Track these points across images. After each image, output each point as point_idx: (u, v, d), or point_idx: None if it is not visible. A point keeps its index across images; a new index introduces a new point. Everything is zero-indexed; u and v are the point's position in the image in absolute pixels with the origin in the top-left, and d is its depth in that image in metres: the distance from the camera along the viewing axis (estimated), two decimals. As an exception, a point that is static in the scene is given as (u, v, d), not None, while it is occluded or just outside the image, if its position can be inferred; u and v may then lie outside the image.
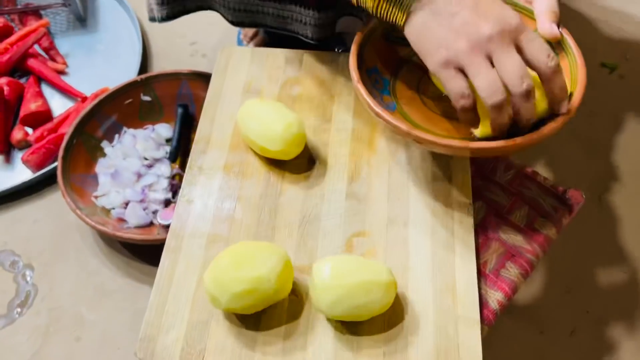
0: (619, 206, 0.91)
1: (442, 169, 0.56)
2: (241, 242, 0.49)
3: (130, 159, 0.90)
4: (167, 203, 0.87)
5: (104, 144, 0.92)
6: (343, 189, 0.55)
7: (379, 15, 0.51)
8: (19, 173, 0.95)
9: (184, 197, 0.56)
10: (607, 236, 0.88)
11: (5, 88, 0.99)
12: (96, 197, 0.87)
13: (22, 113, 0.99)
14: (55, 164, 0.92)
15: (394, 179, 0.56)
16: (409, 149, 0.58)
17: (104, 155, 0.92)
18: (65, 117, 0.99)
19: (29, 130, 0.99)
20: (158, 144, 0.93)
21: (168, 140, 0.94)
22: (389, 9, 0.49)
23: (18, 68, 1.06)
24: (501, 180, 0.58)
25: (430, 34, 0.47)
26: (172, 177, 0.89)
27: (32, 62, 1.06)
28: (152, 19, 0.80)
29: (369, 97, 0.50)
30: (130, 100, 0.95)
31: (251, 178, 0.56)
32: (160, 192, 0.87)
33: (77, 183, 0.87)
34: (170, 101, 0.96)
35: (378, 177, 0.56)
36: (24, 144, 0.98)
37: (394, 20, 0.50)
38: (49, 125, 0.98)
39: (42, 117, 0.99)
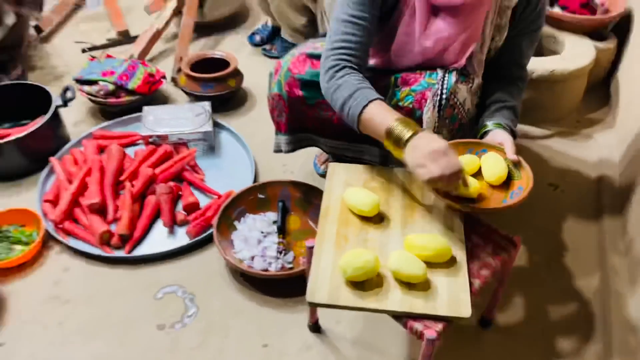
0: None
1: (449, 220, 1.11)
2: (353, 249, 1.04)
3: (254, 231, 1.48)
4: (276, 258, 1.42)
5: (236, 223, 1.51)
6: (398, 228, 1.10)
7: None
8: (180, 240, 1.53)
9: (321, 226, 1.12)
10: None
11: (173, 189, 1.61)
12: (234, 252, 1.43)
13: (183, 203, 1.60)
14: (204, 235, 1.50)
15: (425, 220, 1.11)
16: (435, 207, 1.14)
17: (235, 229, 1.50)
18: (209, 207, 1.59)
19: (186, 214, 1.59)
20: (269, 224, 1.51)
21: (274, 222, 1.52)
22: (394, 149, 1.08)
23: (177, 177, 1.69)
24: (478, 232, 1.13)
25: (411, 159, 1.03)
26: (278, 243, 1.46)
27: (185, 174, 1.69)
28: (278, 151, 1.44)
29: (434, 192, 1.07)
30: (252, 197, 1.55)
31: (352, 224, 1.11)
32: (273, 251, 1.43)
33: (223, 244, 1.44)
34: (275, 198, 1.56)
35: (416, 220, 1.11)
36: (184, 223, 1.57)
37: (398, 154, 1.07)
38: (199, 212, 1.58)
39: (195, 206, 1.60)
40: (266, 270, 1.40)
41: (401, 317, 0.99)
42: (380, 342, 1.30)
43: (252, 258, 1.42)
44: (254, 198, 1.57)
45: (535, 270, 1.45)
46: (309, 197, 1.56)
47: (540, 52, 1.96)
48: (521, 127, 1.88)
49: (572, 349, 1.29)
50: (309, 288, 1.00)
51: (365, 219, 1.14)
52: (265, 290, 1.40)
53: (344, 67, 1.17)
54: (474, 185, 1.10)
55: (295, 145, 1.46)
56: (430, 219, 1.12)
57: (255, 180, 1.71)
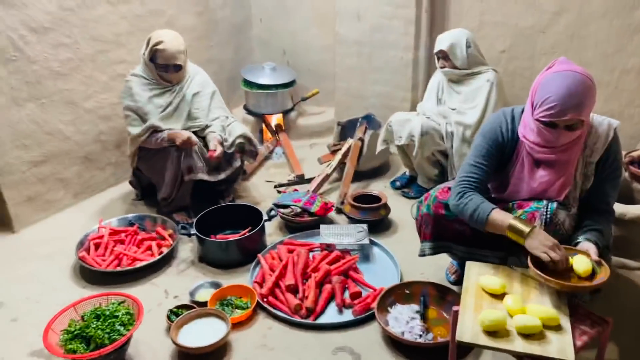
0: None
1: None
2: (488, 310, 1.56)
3: (403, 315, 2.02)
4: (420, 336, 1.93)
5: (389, 308, 2.07)
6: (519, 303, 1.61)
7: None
8: (347, 316, 2.12)
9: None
10: None
11: (344, 280, 2.24)
12: (389, 327, 1.97)
13: (350, 291, 2.21)
14: (365, 315, 2.08)
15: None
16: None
17: (389, 312, 2.06)
18: (368, 296, 2.18)
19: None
20: (413, 312, 2.05)
21: (417, 311, 2.06)
22: (517, 238, 1.67)
23: (345, 274, 2.32)
24: (578, 312, 1.59)
25: (532, 245, 1.62)
26: (421, 326, 1.98)
27: (351, 272, 2.32)
28: (422, 255, 2.04)
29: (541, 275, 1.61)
30: (400, 290, 2.13)
31: (485, 299, 1.63)
32: (418, 330, 1.96)
33: (381, 322, 1.99)
34: (417, 294, 2.12)
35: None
36: (349, 306, 2.16)
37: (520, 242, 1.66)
38: (361, 298, 2.17)
39: (358, 294, 2.20)
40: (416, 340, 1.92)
41: (522, 358, 1.46)
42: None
43: (402, 333, 1.95)
44: (401, 292, 2.13)
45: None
46: (443, 295, 2.10)
47: (632, 201, 2.44)
48: (617, 259, 2.31)
49: None
50: (458, 332, 1.53)
51: (494, 296, 1.66)
52: (410, 355, 1.90)
53: (468, 192, 1.81)
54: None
55: (435, 250, 2.06)
56: (542, 299, 1.62)
57: (400, 281, 2.29)
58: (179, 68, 2.69)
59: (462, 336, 1.52)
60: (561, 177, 1.78)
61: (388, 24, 3.32)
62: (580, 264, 1.64)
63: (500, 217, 1.72)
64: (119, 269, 2.40)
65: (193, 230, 2.50)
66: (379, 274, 2.36)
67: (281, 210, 2.70)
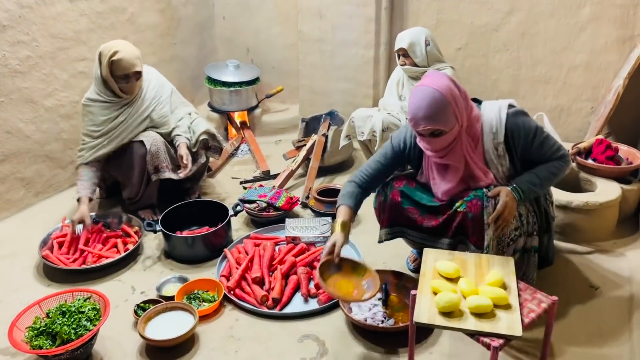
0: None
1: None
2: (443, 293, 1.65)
3: (366, 303, 2.10)
4: (382, 322, 2.02)
5: None
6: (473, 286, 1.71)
7: None
8: (312, 305, 2.18)
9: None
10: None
11: (309, 272, 2.30)
12: (352, 314, 2.05)
13: (314, 282, 2.27)
14: (328, 304, 2.15)
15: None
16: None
17: None
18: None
19: (317, 290, 2.25)
20: (375, 301, 2.13)
21: (379, 298, 2.14)
22: None
23: (310, 265, 2.38)
24: (528, 292, 1.71)
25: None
26: (383, 312, 2.07)
27: (315, 264, 2.39)
28: (380, 241, 2.14)
29: None
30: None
31: (441, 281, 1.75)
32: (380, 317, 2.04)
33: (344, 307, 2.07)
34: (381, 280, 2.20)
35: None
36: (314, 295, 2.22)
37: None
38: (326, 288, 2.24)
39: (323, 284, 2.26)
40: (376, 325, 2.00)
41: (474, 335, 1.56)
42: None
43: (365, 320, 2.02)
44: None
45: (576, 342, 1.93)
46: (404, 282, 2.18)
47: (578, 190, 2.60)
48: (565, 245, 2.46)
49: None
50: (415, 314, 1.61)
51: (449, 279, 1.76)
52: (373, 340, 1.98)
53: (351, 182, 2.08)
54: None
55: (391, 235, 2.17)
56: (493, 276, 1.72)
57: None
58: (139, 75, 2.62)
59: (419, 317, 1.60)
60: (462, 173, 1.95)
61: (349, 22, 3.40)
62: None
63: (341, 212, 2.01)
64: (84, 266, 2.40)
65: (158, 227, 2.51)
66: (343, 265, 2.44)
67: (247, 205, 2.74)
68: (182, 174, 2.71)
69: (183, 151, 2.71)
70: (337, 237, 1.95)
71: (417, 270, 2.35)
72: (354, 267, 1.98)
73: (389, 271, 2.24)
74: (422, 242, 2.11)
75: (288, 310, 2.16)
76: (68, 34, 2.98)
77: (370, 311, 2.07)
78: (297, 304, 2.20)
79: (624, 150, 2.69)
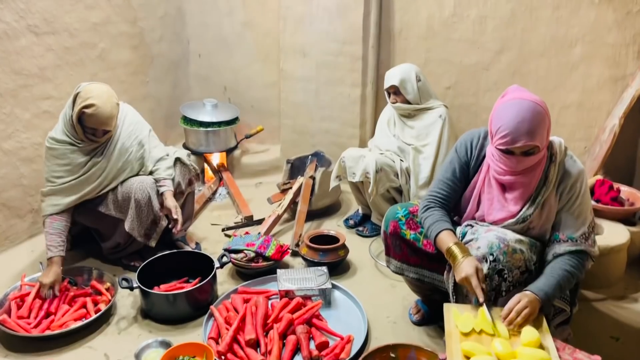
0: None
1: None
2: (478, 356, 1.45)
3: None
4: None
5: None
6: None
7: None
8: (315, 371, 1.93)
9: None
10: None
11: (309, 330, 2.06)
12: None
13: (316, 342, 2.03)
14: (336, 366, 1.91)
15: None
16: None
17: None
18: (336, 346, 2.02)
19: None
20: None
21: None
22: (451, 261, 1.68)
23: (306, 323, 2.15)
24: (567, 352, 1.53)
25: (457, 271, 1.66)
26: None
27: (314, 320, 2.15)
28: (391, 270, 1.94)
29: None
30: (385, 354, 1.89)
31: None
32: None
33: None
34: (404, 357, 1.90)
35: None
36: (317, 357, 1.98)
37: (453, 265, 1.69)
38: (329, 349, 2.00)
39: (325, 345, 2.03)
40: None
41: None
42: None
43: None
44: (386, 355, 1.91)
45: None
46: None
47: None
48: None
49: None
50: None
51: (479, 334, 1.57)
52: None
53: (432, 206, 1.88)
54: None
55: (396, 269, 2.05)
56: (529, 335, 1.54)
57: (367, 327, 2.14)
58: (109, 133, 2.37)
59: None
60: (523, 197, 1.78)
61: (334, 61, 3.29)
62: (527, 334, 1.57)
63: (445, 238, 1.77)
64: (48, 332, 2.08)
65: (135, 283, 2.23)
66: (343, 320, 2.21)
67: (233, 255, 2.50)
68: (175, 231, 2.45)
69: (170, 203, 2.45)
70: (473, 261, 1.67)
71: (420, 323, 2.16)
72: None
73: (415, 346, 1.89)
74: (420, 277, 1.98)
75: (288, 377, 1.91)
76: (32, 70, 2.72)
77: None
78: (299, 370, 1.95)
79: (624, 190, 2.62)
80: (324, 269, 2.42)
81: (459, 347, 1.53)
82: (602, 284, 2.35)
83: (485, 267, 1.70)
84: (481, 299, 1.63)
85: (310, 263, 2.54)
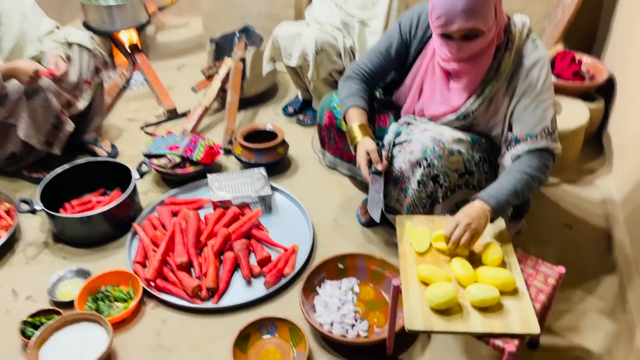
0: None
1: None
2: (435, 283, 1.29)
3: (333, 298, 1.67)
4: (352, 326, 1.61)
5: (317, 288, 1.72)
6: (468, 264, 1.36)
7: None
8: (258, 290, 1.76)
9: (403, 272, 1.35)
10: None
11: (248, 245, 1.85)
12: (316, 316, 1.63)
13: (257, 257, 1.83)
14: (279, 285, 1.74)
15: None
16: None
17: (317, 294, 1.70)
18: (279, 259, 1.83)
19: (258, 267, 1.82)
20: (346, 292, 1.71)
21: (351, 289, 1.73)
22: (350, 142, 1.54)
23: (246, 235, 1.92)
24: (529, 265, 1.40)
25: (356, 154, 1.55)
26: (355, 312, 1.65)
27: (253, 231, 1.93)
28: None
29: None
30: (332, 265, 1.76)
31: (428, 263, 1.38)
32: (350, 319, 1.62)
33: (305, 307, 1.62)
34: (352, 268, 1.76)
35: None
36: (259, 275, 1.80)
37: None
38: (271, 264, 1.81)
39: (267, 260, 1.84)
40: (344, 336, 1.58)
41: (483, 336, 1.23)
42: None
43: (332, 324, 1.61)
44: (333, 267, 1.77)
45: (565, 296, 1.71)
46: (383, 269, 1.73)
47: (542, 113, 2.30)
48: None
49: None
50: (405, 319, 1.25)
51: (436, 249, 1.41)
52: (337, 349, 1.59)
53: (354, 78, 1.68)
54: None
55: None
56: (488, 252, 1.38)
57: (313, 234, 1.95)
58: None
59: (412, 322, 1.24)
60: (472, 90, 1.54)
61: None
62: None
63: (352, 116, 1.62)
64: (-64, 273, 1.76)
65: (38, 205, 1.89)
66: (286, 227, 2.00)
67: (155, 162, 2.16)
68: (52, 71, 1.99)
69: (52, 59, 2.04)
70: (367, 144, 1.57)
71: (369, 224, 1.99)
72: (291, 331, 1.59)
73: (365, 255, 1.76)
74: (353, 174, 1.83)
75: (228, 300, 1.73)
76: None
77: (339, 311, 1.64)
78: (239, 290, 1.76)
79: (586, 63, 2.40)
80: (262, 171, 2.14)
81: (414, 271, 1.35)
82: (555, 169, 2.22)
83: (418, 173, 1.53)
84: (380, 167, 1.56)
85: (246, 165, 2.25)
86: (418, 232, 1.45)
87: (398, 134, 1.62)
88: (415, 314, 1.25)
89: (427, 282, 1.32)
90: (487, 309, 1.26)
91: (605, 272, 1.81)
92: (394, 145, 1.62)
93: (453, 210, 1.51)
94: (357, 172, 1.81)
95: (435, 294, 1.26)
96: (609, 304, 1.70)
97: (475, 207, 1.40)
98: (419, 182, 1.55)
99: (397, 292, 1.35)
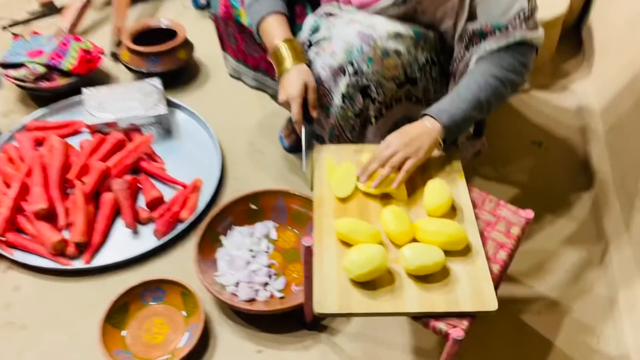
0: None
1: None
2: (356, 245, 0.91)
3: (242, 250, 1.29)
4: (265, 285, 1.24)
5: (222, 238, 1.32)
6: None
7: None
8: (147, 241, 1.36)
9: (317, 228, 0.97)
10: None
11: (132, 183, 1.42)
12: (217, 276, 1.25)
13: (145, 199, 1.41)
14: (174, 233, 1.34)
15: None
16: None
17: (221, 245, 1.31)
18: (175, 200, 1.42)
19: (149, 211, 1.41)
20: (259, 241, 1.32)
21: (266, 235, 1.34)
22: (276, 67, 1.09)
23: (133, 168, 1.49)
24: (487, 208, 1.04)
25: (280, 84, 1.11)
26: (269, 266, 1.28)
27: (143, 164, 1.50)
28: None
29: None
30: (242, 208, 1.36)
31: (351, 214, 0.99)
32: (261, 277, 1.25)
33: (204, 265, 1.24)
34: (268, 209, 1.36)
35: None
36: (148, 221, 1.39)
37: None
38: (165, 206, 1.40)
39: (159, 201, 1.42)
40: (252, 300, 1.21)
41: (421, 317, 0.89)
42: (383, 332, 1.21)
43: (237, 284, 1.23)
44: (244, 209, 1.36)
45: (531, 234, 1.39)
46: (308, 209, 1.32)
47: None
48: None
49: (578, 312, 1.25)
50: (315, 298, 0.88)
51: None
52: (245, 318, 1.23)
53: None
54: None
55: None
56: (435, 197, 1.00)
57: (222, 165, 1.54)
58: None
59: (323, 305, 0.87)
60: None
61: None
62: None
63: (272, 29, 1.14)
64: None
65: None
66: (188, 157, 1.57)
67: (11, 73, 1.63)
68: None
69: None
70: (304, 75, 1.10)
71: (294, 149, 1.58)
72: (184, 296, 1.22)
73: (284, 192, 1.36)
74: (260, 85, 1.40)
75: (104, 258, 1.32)
76: None
77: (247, 267, 1.26)
78: (120, 245, 1.36)
79: None
80: (157, 82, 1.66)
81: (332, 226, 0.97)
82: (525, 71, 1.82)
83: (342, 84, 1.11)
84: (315, 113, 1.13)
85: (138, 74, 1.75)
86: (341, 169, 1.05)
87: (315, 30, 1.16)
88: (329, 291, 0.89)
89: (348, 241, 0.95)
90: (427, 277, 0.91)
91: (577, 198, 1.48)
92: (310, 45, 1.17)
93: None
94: (267, 84, 1.37)
95: (356, 262, 0.88)
96: (581, 234, 1.39)
97: (418, 126, 1.01)
98: (343, 96, 1.13)
99: (309, 254, 0.97)
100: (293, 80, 1.09)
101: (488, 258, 0.95)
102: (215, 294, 1.18)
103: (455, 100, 1.04)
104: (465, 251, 0.95)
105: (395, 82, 1.13)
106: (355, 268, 0.88)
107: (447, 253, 0.92)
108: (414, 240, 0.95)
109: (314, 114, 1.12)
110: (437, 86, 1.21)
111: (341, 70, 1.10)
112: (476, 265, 0.93)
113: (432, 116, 1.02)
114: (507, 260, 0.98)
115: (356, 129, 1.18)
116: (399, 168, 0.99)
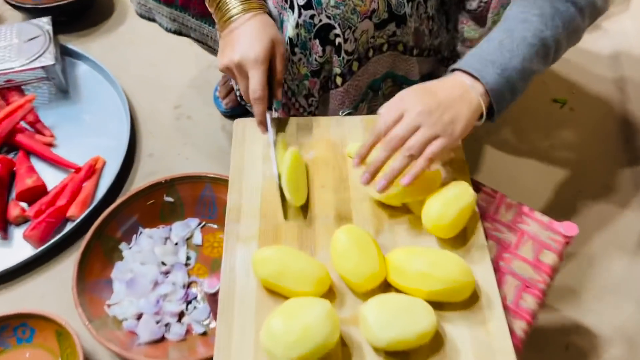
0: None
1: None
2: (290, 300, 0.53)
3: (148, 265, 0.90)
4: (180, 316, 0.86)
5: (123, 246, 0.93)
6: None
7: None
8: (20, 249, 0.96)
9: (227, 266, 0.58)
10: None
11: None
12: (109, 305, 0.87)
13: (17, 189, 1.01)
14: (58, 237, 0.95)
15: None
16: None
17: (121, 258, 0.92)
18: (62, 190, 1.02)
19: (25, 205, 1.00)
20: (176, 248, 0.94)
21: (188, 239, 0.96)
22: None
23: (6, 144, 1.08)
24: (505, 220, 0.65)
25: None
26: (188, 285, 0.90)
27: (20, 137, 1.08)
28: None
29: None
30: (152, 201, 0.96)
31: (284, 241, 0.61)
32: (175, 304, 0.87)
33: (91, 290, 0.86)
34: (193, 201, 0.97)
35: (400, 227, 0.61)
36: (21, 220, 0.99)
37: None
38: (45, 199, 1.00)
39: (38, 191, 1.01)
40: (160, 340, 0.84)
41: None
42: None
43: (139, 317, 0.86)
44: (156, 202, 0.96)
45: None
46: None
47: None
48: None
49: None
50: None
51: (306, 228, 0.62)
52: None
53: None
54: None
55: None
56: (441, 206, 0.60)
57: (133, 135, 1.13)
58: None
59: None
60: None
61: None
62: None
63: None
64: None
65: None
66: (89, 129, 1.15)
67: None
68: None
69: None
70: (267, 27, 0.67)
71: (233, 112, 1.16)
72: (60, 336, 0.85)
73: (211, 177, 0.95)
74: (178, 27, 0.94)
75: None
76: None
77: (155, 290, 0.88)
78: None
79: None
80: (45, 21, 1.21)
81: (249, 261, 0.58)
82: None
83: (289, 24, 0.70)
84: (267, 132, 0.69)
85: (23, 12, 1.30)
86: (287, 159, 0.65)
87: None
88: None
89: (276, 290, 0.56)
90: (406, 354, 0.53)
91: (615, 176, 1.10)
92: None
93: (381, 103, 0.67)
94: (189, 25, 0.93)
95: (281, 338, 0.49)
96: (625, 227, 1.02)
97: (449, 83, 0.62)
98: (291, 42, 0.71)
99: (214, 302, 0.58)
100: (252, 35, 0.66)
101: (506, 308, 0.57)
102: (98, 338, 0.80)
103: (506, 44, 0.62)
104: (469, 302, 0.56)
105: (372, 21, 0.71)
106: (280, 348, 0.49)
107: (441, 306, 0.54)
108: (386, 284, 0.56)
109: (278, 94, 0.70)
110: (434, 26, 0.79)
111: (287, 2, 0.68)
112: (487, 328, 0.55)
113: (466, 71, 0.61)
114: (535, 311, 0.60)
115: (314, 94, 0.77)
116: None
